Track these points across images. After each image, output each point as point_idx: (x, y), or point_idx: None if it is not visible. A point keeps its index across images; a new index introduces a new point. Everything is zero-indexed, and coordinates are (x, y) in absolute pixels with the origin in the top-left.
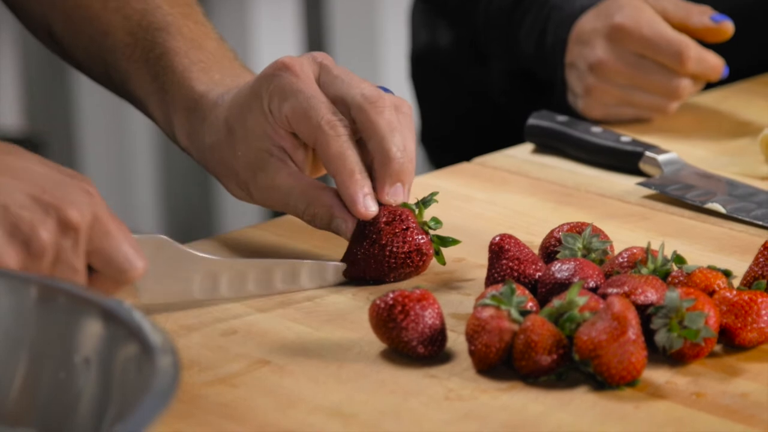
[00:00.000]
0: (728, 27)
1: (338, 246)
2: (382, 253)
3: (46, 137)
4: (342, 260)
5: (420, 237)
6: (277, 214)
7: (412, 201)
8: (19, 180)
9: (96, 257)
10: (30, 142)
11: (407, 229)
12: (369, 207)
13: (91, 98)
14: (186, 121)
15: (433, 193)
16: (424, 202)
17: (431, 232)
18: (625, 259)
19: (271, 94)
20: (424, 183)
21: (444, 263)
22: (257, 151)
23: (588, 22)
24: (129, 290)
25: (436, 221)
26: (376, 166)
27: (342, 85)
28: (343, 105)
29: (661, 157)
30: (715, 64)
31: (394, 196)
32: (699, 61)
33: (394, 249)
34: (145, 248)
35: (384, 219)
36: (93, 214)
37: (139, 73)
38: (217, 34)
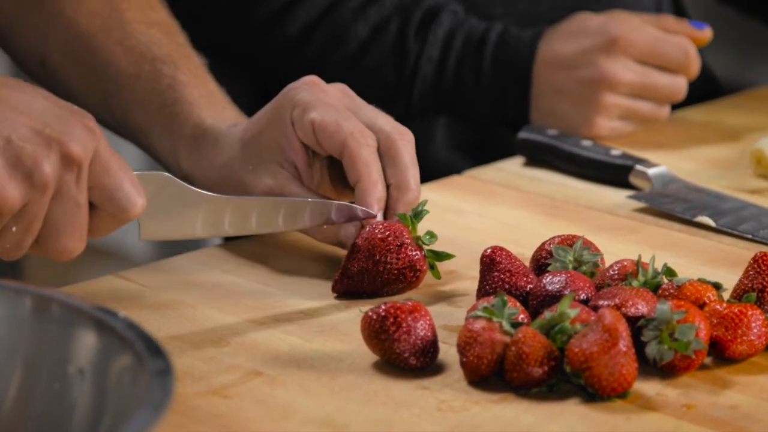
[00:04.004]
0: (707, 33)
1: (331, 259)
2: (376, 269)
3: None
4: (338, 274)
5: (414, 253)
6: None
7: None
8: (20, 113)
9: (97, 193)
10: None
11: (401, 245)
12: (377, 214)
13: None
14: (193, 148)
15: (423, 202)
16: (417, 215)
17: (425, 247)
18: (616, 272)
19: (297, 104)
20: None
21: (439, 277)
22: (269, 162)
23: (564, 46)
24: (130, 227)
25: (431, 235)
26: (393, 191)
27: (369, 112)
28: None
29: (651, 171)
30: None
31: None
32: (696, 55)
33: (389, 265)
34: (147, 186)
35: (379, 235)
36: (94, 149)
37: (143, 102)
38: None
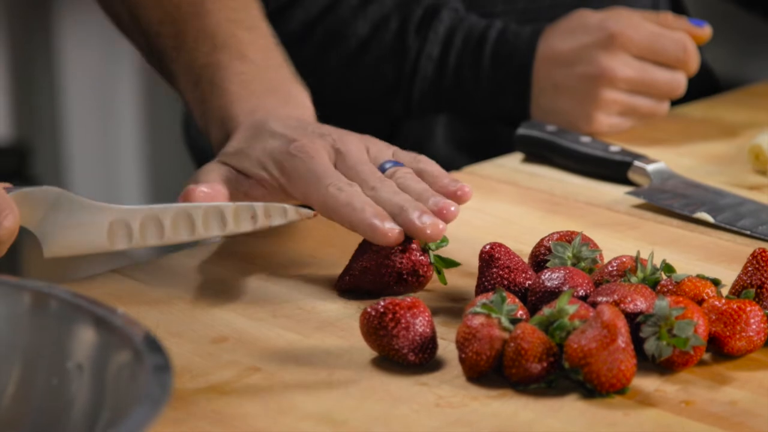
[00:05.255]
0: (706, 31)
1: (328, 254)
2: (379, 270)
3: (32, 145)
4: (342, 273)
5: (419, 257)
6: None
7: None
8: None
9: None
10: (16, 149)
11: (406, 249)
12: (392, 227)
13: (77, 106)
14: (219, 131)
15: None
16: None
17: (432, 252)
18: (615, 268)
19: (281, 173)
20: None
21: (445, 283)
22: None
23: (562, 43)
24: (34, 244)
25: (441, 240)
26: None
27: (356, 177)
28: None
29: (649, 167)
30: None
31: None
32: (695, 52)
33: (392, 268)
34: (39, 202)
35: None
36: None
37: (183, 77)
38: (269, 38)
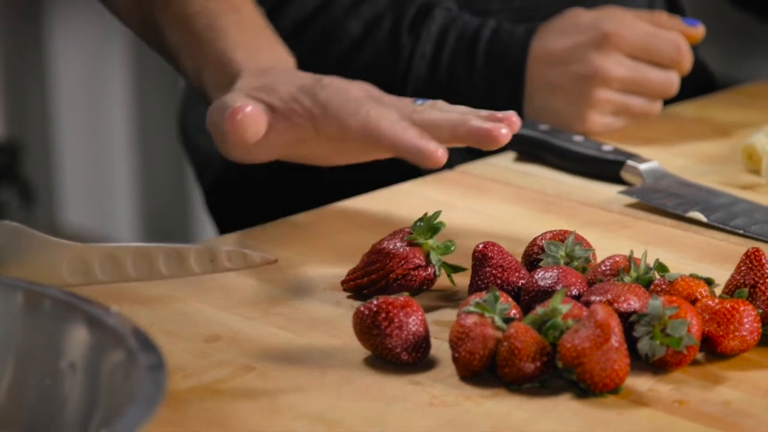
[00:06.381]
0: (700, 31)
1: (321, 253)
2: (382, 283)
3: (23, 142)
4: (349, 272)
5: (425, 272)
6: (248, 225)
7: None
8: None
9: None
10: (7, 148)
11: (417, 267)
12: (437, 146)
13: (69, 104)
14: (218, 75)
15: (436, 214)
16: (432, 230)
17: (439, 257)
18: (608, 267)
19: (314, 103)
20: (407, 191)
21: (453, 283)
22: None
23: (555, 42)
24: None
25: (447, 248)
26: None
27: (398, 105)
28: None
29: (642, 166)
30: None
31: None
32: (689, 51)
33: (393, 281)
34: None
35: (394, 262)
36: None
37: (174, 26)
38: (255, 6)
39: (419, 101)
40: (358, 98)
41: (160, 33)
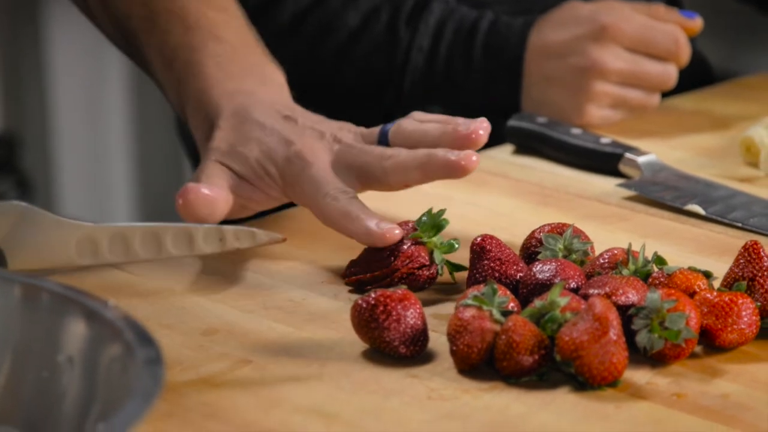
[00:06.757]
0: (697, 23)
1: (319, 247)
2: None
3: (21, 135)
4: (349, 264)
5: (428, 272)
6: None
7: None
8: None
9: None
10: (5, 141)
11: (422, 266)
12: (386, 229)
13: (67, 98)
14: (197, 114)
15: (441, 212)
16: (437, 227)
17: (442, 256)
18: (606, 260)
19: (282, 178)
20: None
21: (454, 280)
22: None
23: (553, 34)
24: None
25: (451, 246)
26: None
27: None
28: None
29: (640, 159)
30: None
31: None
32: (687, 44)
33: (404, 283)
34: (7, 217)
35: (399, 261)
36: None
37: (156, 59)
38: (240, 19)
39: (387, 126)
40: (319, 179)
41: (145, 64)
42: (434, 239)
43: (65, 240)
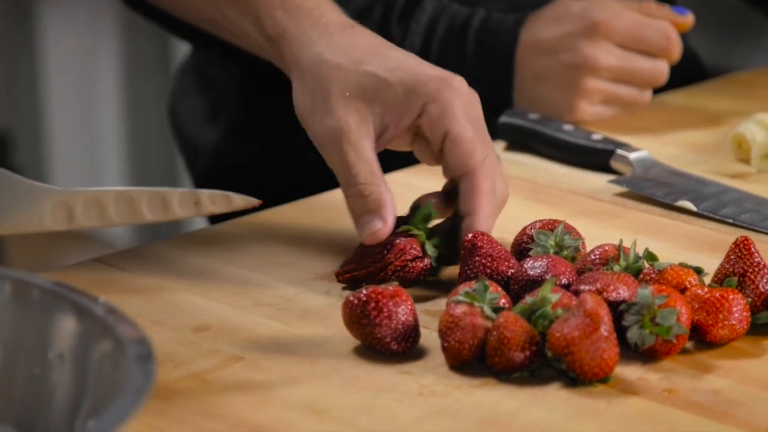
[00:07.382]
0: (689, 19)
1: (311, 243)
2: (384, 280)
3: (14, 133)
4: (343, 263)
5: (421, 264)
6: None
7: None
8: None
9: None
10: None
11: (414, 258)
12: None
13: (59, 93)
14: (259, 34)
15: (429, 203)
16: (426, 219)
17: (434, 250)
18: (597, 257)
19: (436, 100)
20: (396, 180)
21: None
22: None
23: (545, 31)
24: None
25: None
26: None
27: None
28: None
29: (632, 155)
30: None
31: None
32: (678, 40)
33: (398, 275)
34: None
35: (392, 254)
36: None
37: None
38: None
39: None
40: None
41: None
42: (424, 229)
43: (40, 205)
